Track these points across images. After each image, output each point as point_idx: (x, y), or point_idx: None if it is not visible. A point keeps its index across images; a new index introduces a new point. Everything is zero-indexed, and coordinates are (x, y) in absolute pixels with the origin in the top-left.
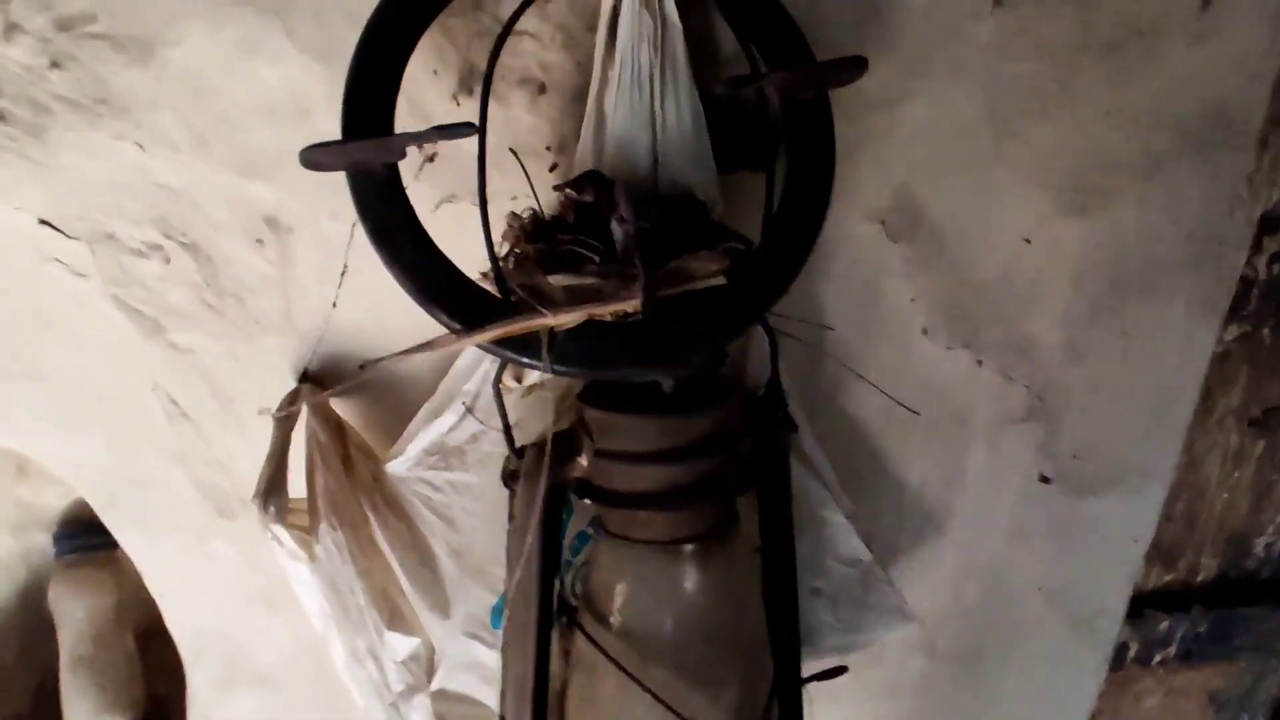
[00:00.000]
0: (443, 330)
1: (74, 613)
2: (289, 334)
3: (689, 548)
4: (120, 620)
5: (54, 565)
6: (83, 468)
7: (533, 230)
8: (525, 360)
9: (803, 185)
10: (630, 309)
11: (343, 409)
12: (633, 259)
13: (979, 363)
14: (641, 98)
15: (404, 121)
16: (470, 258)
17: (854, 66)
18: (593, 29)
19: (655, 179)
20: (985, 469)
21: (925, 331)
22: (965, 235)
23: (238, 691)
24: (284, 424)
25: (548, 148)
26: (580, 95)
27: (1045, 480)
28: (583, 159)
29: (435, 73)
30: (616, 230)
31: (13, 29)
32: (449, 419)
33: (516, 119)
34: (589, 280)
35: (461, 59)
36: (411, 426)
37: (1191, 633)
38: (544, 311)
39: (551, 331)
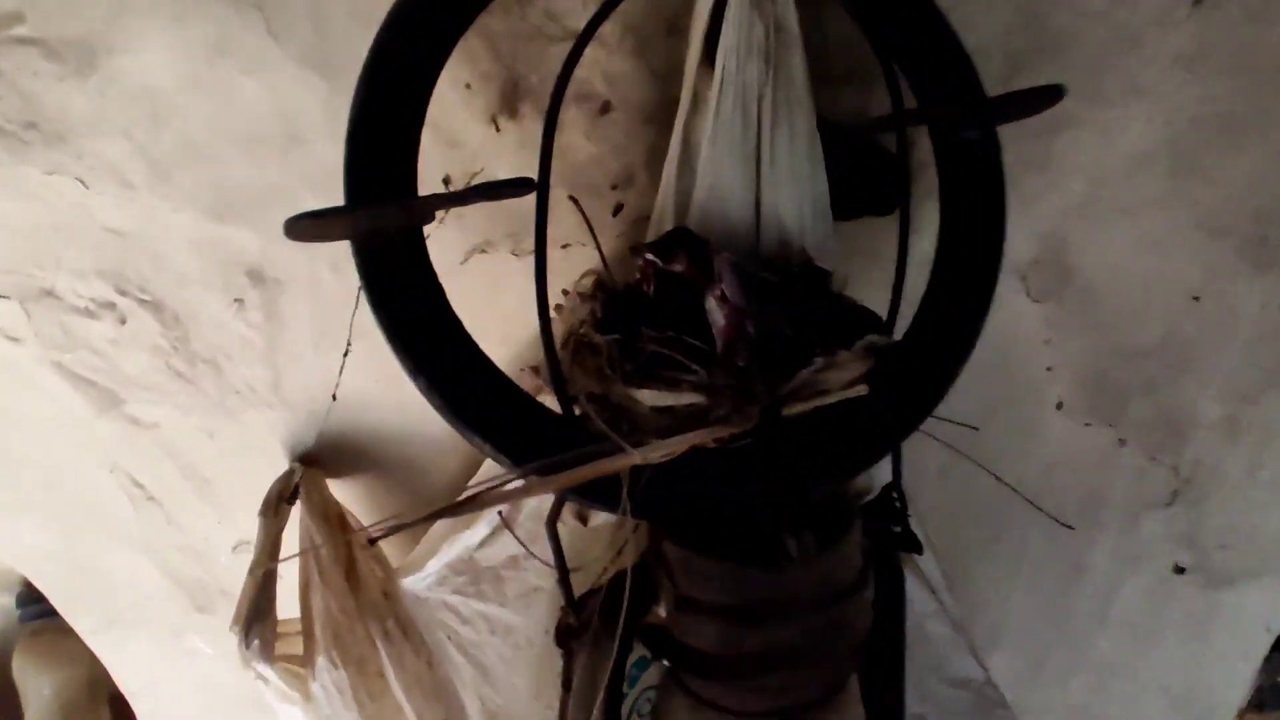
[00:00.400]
0: (483, 458)
1: (40, 689)
2: (279, 408)
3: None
4: (94, 693)
5: (17, 630)
6: (32, 556)
7: (603, 311)
8: (596, 504)
9: (964, 250)
10: (740, 430)
11: (346, 494)
12: (744, 364)
13: (1121, 442)
14: (746, 127)
15: (424, 149)
16: (509, 318)
17: (1043, 99)
18: (676, 32)
19: (758, 233)
20: (1112, 558)
21: (1060, 406)
22: (1122, 293)
23: None
24: (273, 523)
25: (614, 186)
26: (656, 116)
27: (1180, 570)
28: (663, 206)
29: (468, 87)
30: (717, 317)
31: None
32: (480, 530)
33: (572, 146)
34: (686, 395)
35: (504, 70)
36: (433, 533)
37: None
38: (627, 448)
39: (636, 468)
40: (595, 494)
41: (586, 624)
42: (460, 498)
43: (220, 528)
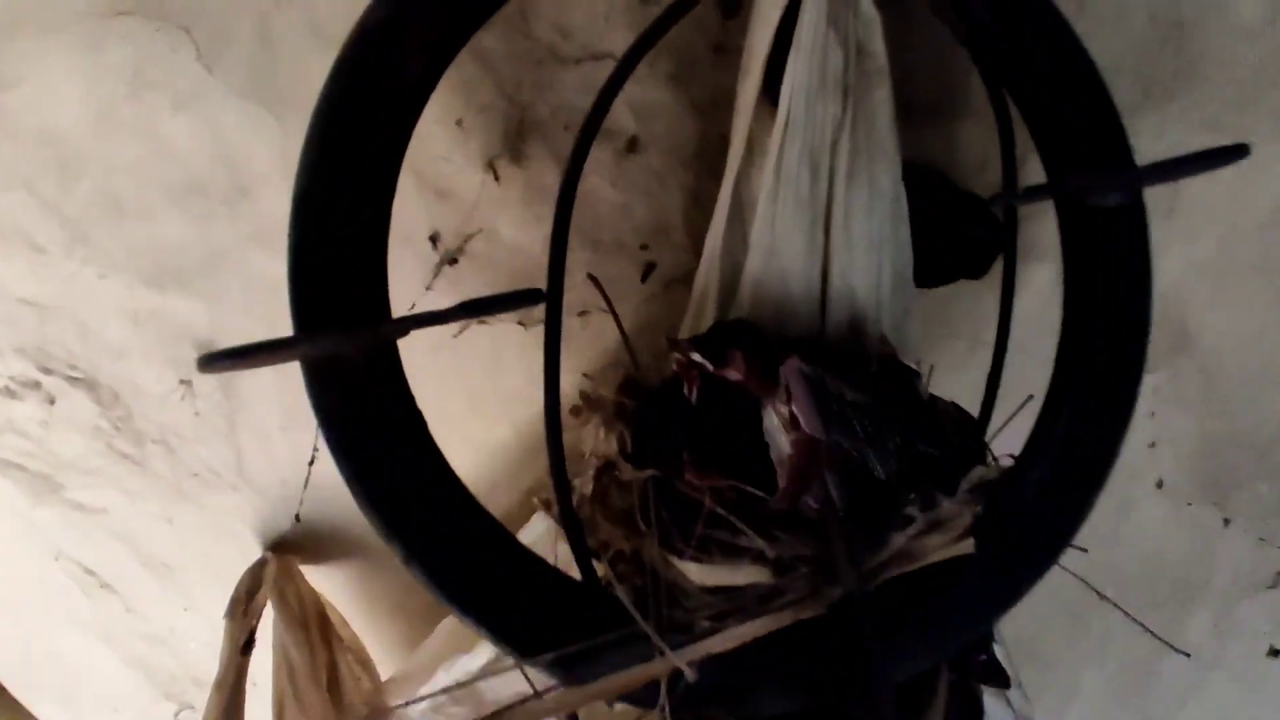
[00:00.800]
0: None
1: None
2: (245, 491)
3: None
4: None
5: None
6: None
7: (634, 428)
8: (629, 702)
9: (1096, 348)
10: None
11: (328, 583)
12: (818, 517)
13: (1226, 522)
14: (815, 180)
15: (404, 201)
16: (513, 397)
17: (1217, 161)
18: (725, 52)
19: (823, 311)
20: (1205, 642)
21: (1161, 485)
22: (1246, 364)
23: None
24: (241, 625)
25: (643, 246)
26: (697, 156)
27: (1276, 654)
28: (708, 277)
29: (460, 124)
30: (781, 442)
31: None
32: (483, 654)
33: (593, 193)
34: (744, 569)
35: (505, 101)
36: (427, 646)
37: None
38: (665, 649)
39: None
40: (627, 695)
41: None
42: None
43: (188, 615)
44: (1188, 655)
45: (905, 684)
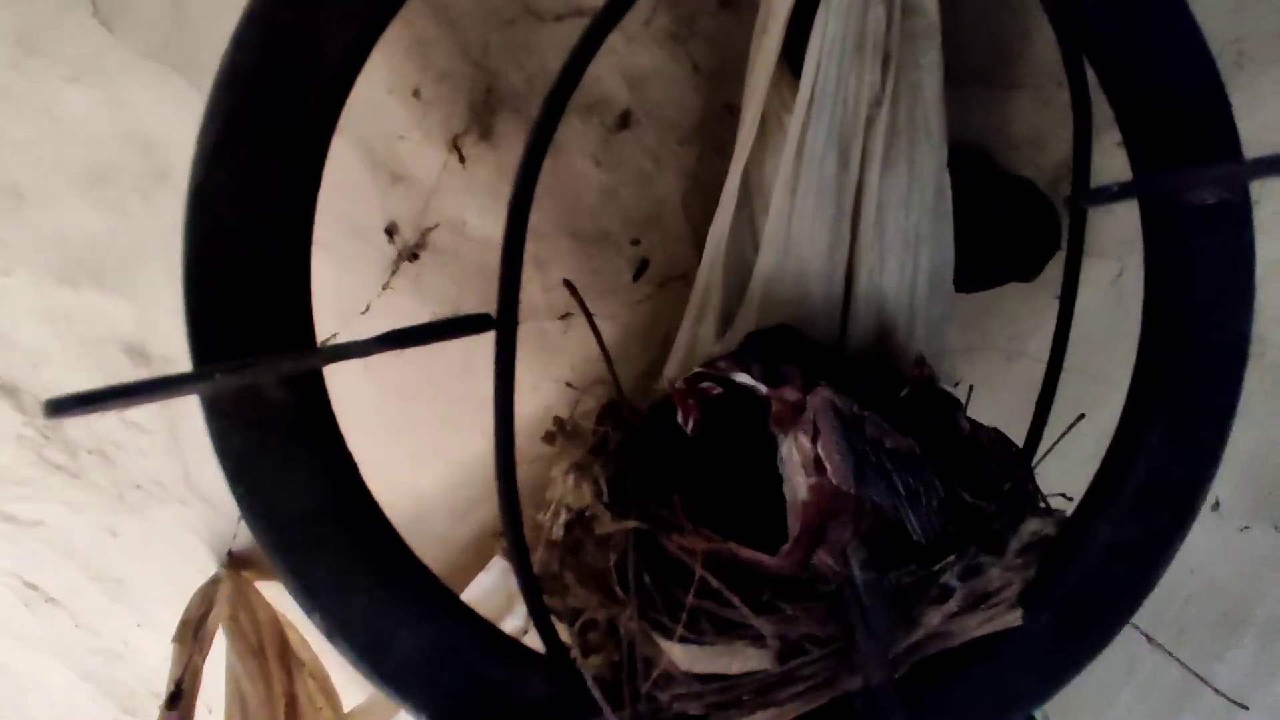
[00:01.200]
0: None
1: None
2: (193, 503)
3: None
4: None
5: None
6: None
7: (615, 468)
8: None
9: (1186, 373)
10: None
11: (287, 599)
12: (838, 587)
13: None
14: (844, 166)
15: (355, 186)
16: (486, 404)
17: None
18: (733, 7)
19: (844, 319)
20: (1248, 668)
21: (1216, 506)
22: None
23: None
24: (190, 649)
25: (634, 241)
26: (698, 132)
27: None
28: (710, 275)
29: (418, 95)
30: (798, 485)
31: None
32: None
33: (577, 176)
34: (743, 653)
35: (471, 67)
36: None
37: None
38: None
39: None
40: None
41: None
42: None
43: (142, 631)
44: (1246, 708)
45: None
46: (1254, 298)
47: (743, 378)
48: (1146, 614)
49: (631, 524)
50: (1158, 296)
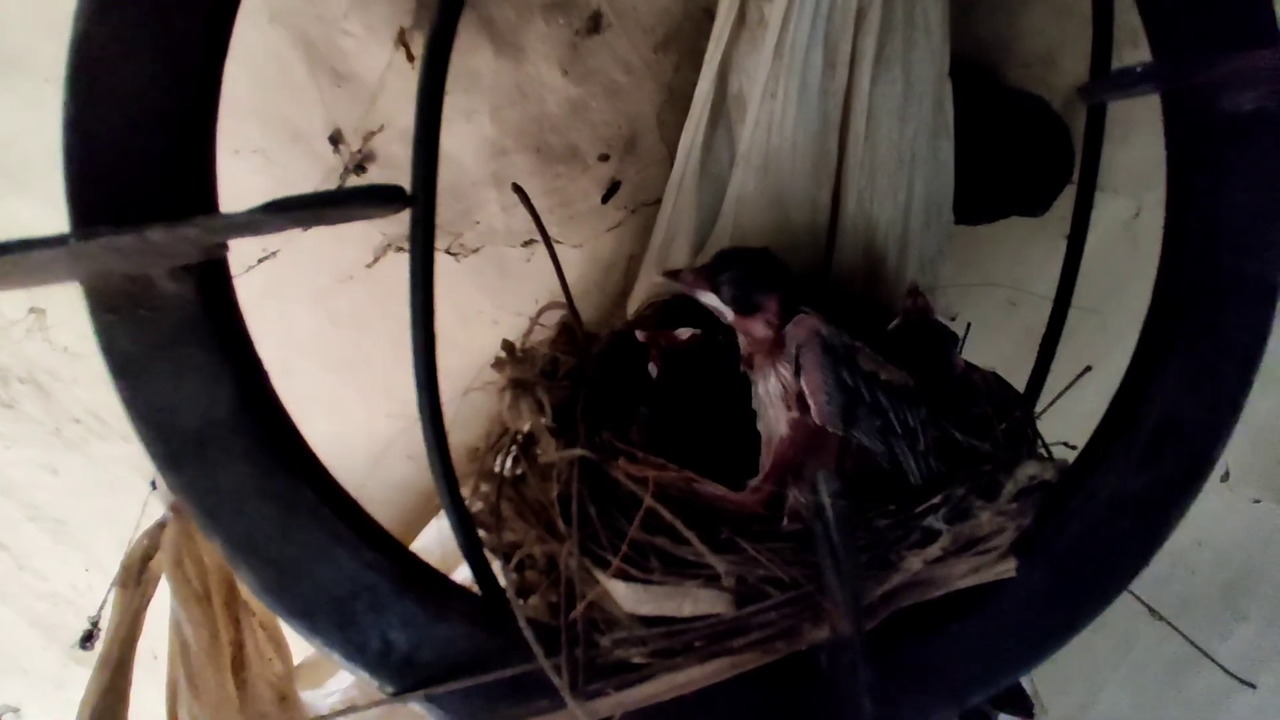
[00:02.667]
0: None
1: None
2: (135, 438)
3: None
4: None
5: None
6: None
7: (566, 398)
8: None
9: (1207, 310)
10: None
11: None
12: (810, 529)
13: None
14: (830, 68)
15: (294, 86)
16: (445, 337)
17: None
18: None
19: (830, 247)
20: (1251, 643)
21: (1226, 477)
22: None
23: None
24: (134, 595)
25: (603, 156)
26: (676, 38)
27: None
28: (678, 195)
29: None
30: (777, 424)
31: None
32: None
33: (540, 85)
34: (694, 595)
35: None
36: None
37: None
38: (570, 700)
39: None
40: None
41: None
42: None
43: (90, 575)
44: (1253, 686)
45: None
46: None
47: (709, 299)
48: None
49: (578, 451)
50: (1180, 218)
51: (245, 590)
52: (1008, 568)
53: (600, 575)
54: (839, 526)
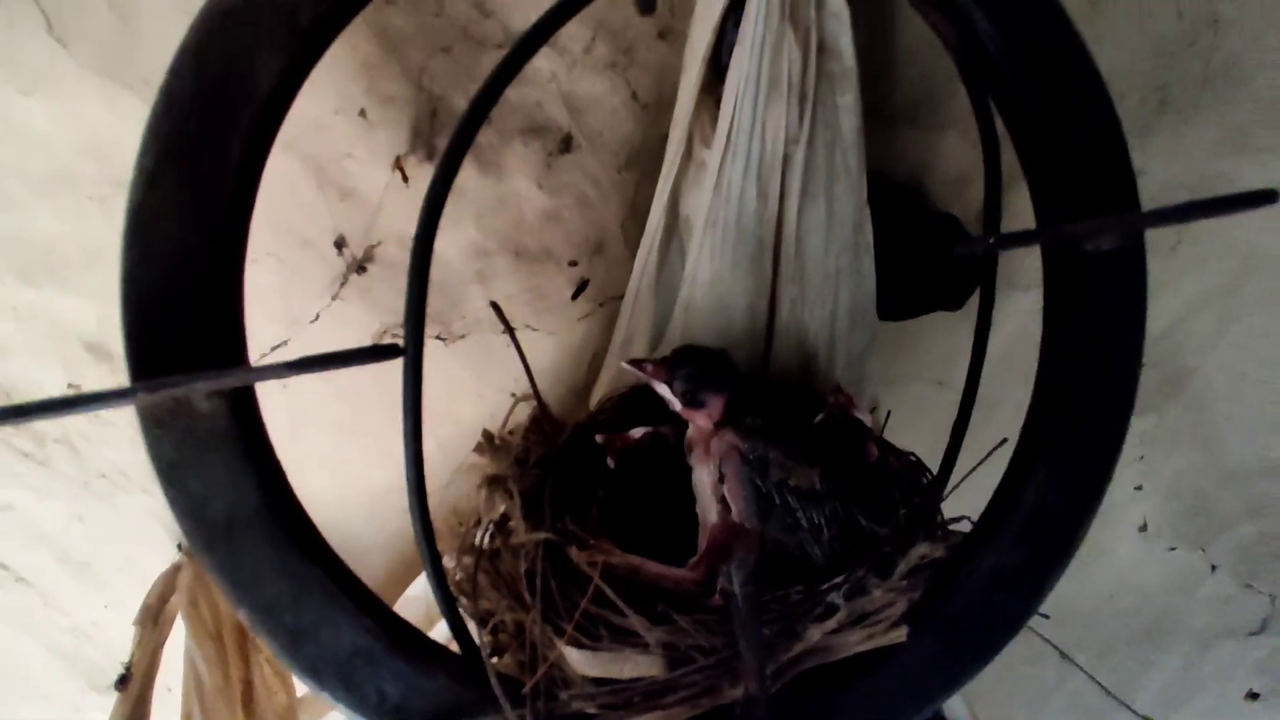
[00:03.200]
0: None
1: None
2: (155, 492)
3: None
4: None
5: None
6: None
7: (535, 485)
8: None
9: (1074, 410)
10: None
11: None
12: (730, 605)
13: (1213, 568)
14: (763, 199)
15: (305, 201)
16: (436, 411)
17: (1240, 205)
18: (672, 37)
19: (768, 349)
20: (1176, 685)
21: (1144, 528)
22: (1245, 405)
23: None
24: (153, 634)
25: (572, 263)
26: (639, 157)
27: (1254, 697)
28: (636, 303)
29: (364, 115)
30: (708, 508)
31: None
32: None
33: (520, 198)
34: (633, 660)
35: (414, 90)
36: None
37: None
38: None
39: None
40: None
41: None
42: None
43: (109, 612)
44: (1102, 686)
45: None
46: (1143, 342)
47: (662, 389)
48: (1075, 627)
49: (542, 535)
50: (1053, 336)
51: (260, 651)
52: (899, 634)
53: (558, 642)
54: (746, 608)
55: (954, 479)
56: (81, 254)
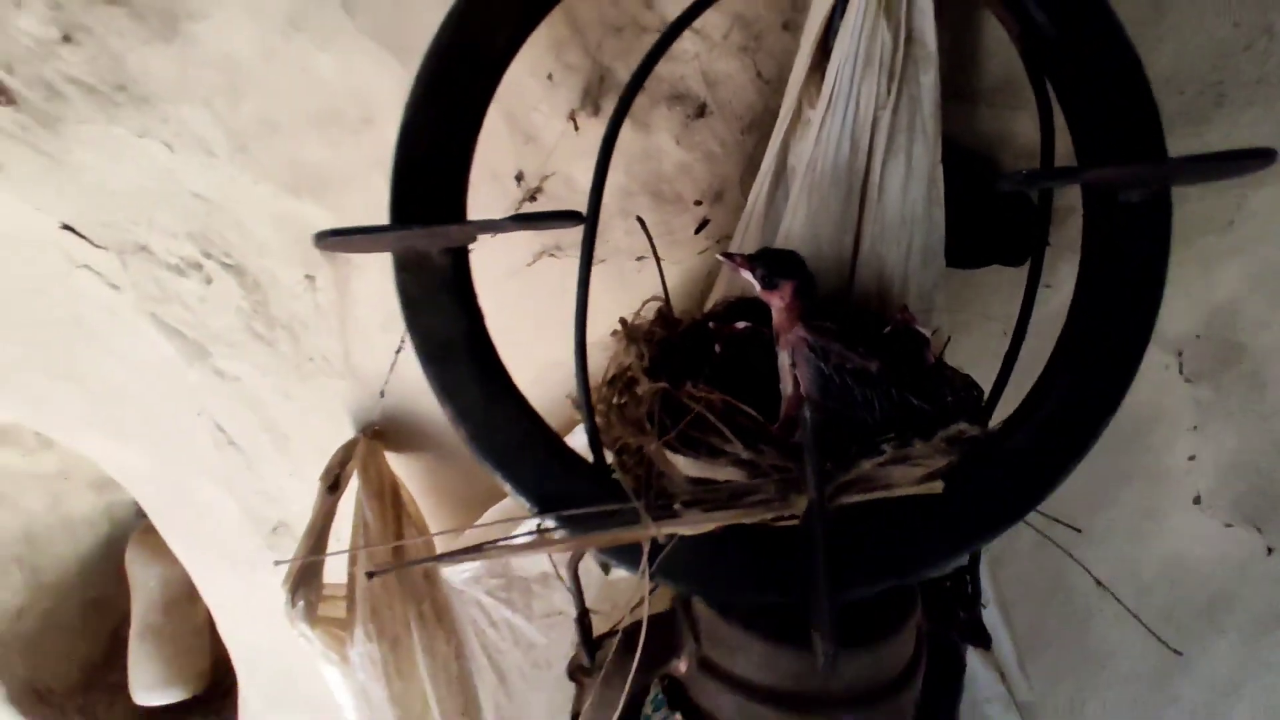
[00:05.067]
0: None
1: (147, 580)
2: (348, 378)
3: None
4: (193, 592)
5: (134, 524)
6: (131, 475)
7: (655, 353)
8: (617, 562)
9: (1099, 337)
10: (786, 513)
11: (405, 469)
12: (800, 443)
13: (1269, 551)
14: (854, 153)
15: (498, 142)
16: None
17: (1243, 163)
18: (793, 28)
19: (852, 275)
20: (1224, 672)
21: (1198, 500)
22: None
23: (284, 711)
24: (329, 494)
25: (697, 201)
26: (758, 125)
27: None
28: (746, 230)
29: (550, 78)
30: (787, 382)
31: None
32: (520, 538)
33: (660, 151)
34: (725, 469)
35: (590, 61)
36: (474, 532)
37: None
38: (646, 520)
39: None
40: (616, 553)
41: (599, 665)
42: (465, 545)
43: (293, 480)
44: (1173, 649)
45: (876, 612)
46: (1163, 282)
47: (745, 274)
48: (1132, 593)
49: (660, 385)
50: (1085, 274)
51: (407, 500)
52: (936, 486)
53: (668, 454)
54: (811, 430)
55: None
56: (332, 173)
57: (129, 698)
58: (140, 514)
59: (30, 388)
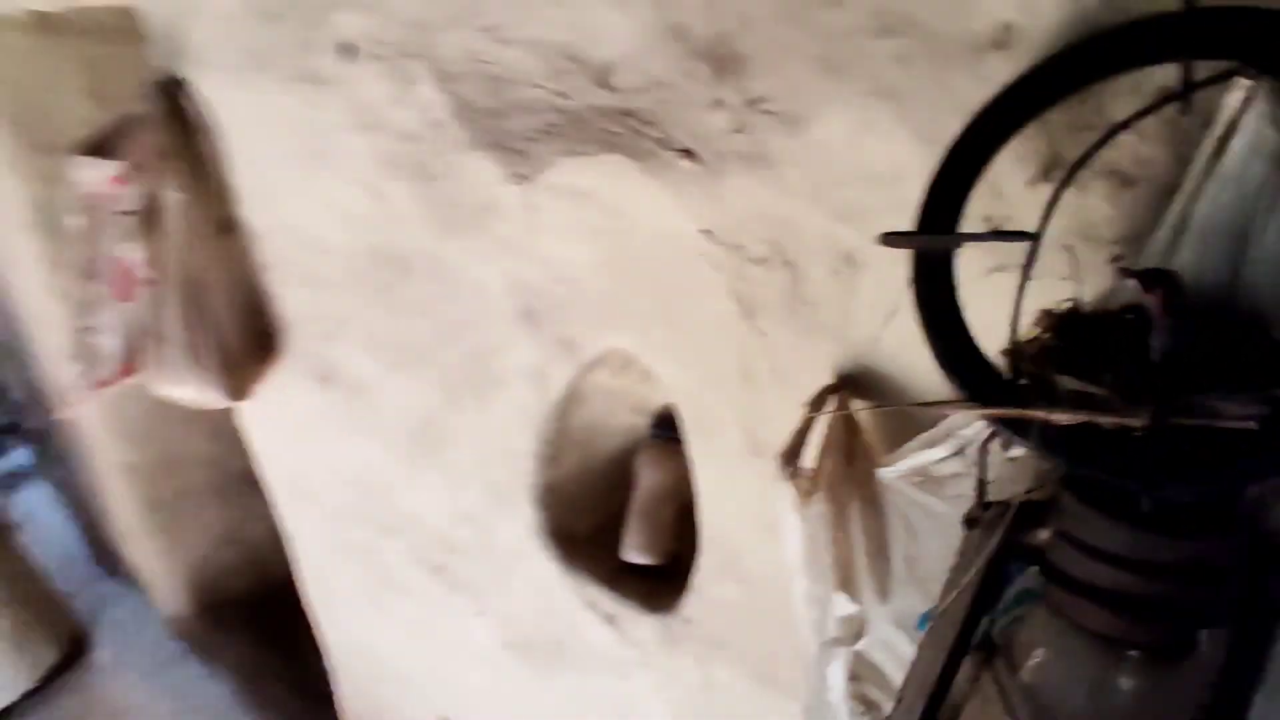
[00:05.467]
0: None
1: (645, 480)
2: (839, 343)
3: (1113, 650)
4: (666, 495)
5: (643, 442)
6: (682, 395)
7: (1064, 325)
8: (1015, 437)
9: None
10: (1133, 424)
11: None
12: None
13: None
14: (1239, 211)
15: (978, 194)
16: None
17: None
18: (1209, 127)
19: (1232, 297)
20: None
21: None
22: None
23: (726, 583)
24: (810, 414)
25: (1114, 241)
26: (1170, 192)
27: None
28: (1145, 259)
29: (1019, 157)
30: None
31: (717, 104)
32: (939, 452)
33: (1091, 206)
34: (1097, 390)
35: (1049, 150)
36: (908, 446)
37: None
38: (1040, 405)
39: (1044, 422)
40: (1015, 428)
41: (987, 521)
42: (925, 401)
43: (785, 411)
44: None
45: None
46: None
47: (1131, 283)
48: None
49: (1065, 341)
50: None
51: (861, 436)
52: (1249, 422)
53: (1059, 376)
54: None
55: None
56: (867, 208)
57: (616, 554)
58: (653, 435)
59: (645, 330)
